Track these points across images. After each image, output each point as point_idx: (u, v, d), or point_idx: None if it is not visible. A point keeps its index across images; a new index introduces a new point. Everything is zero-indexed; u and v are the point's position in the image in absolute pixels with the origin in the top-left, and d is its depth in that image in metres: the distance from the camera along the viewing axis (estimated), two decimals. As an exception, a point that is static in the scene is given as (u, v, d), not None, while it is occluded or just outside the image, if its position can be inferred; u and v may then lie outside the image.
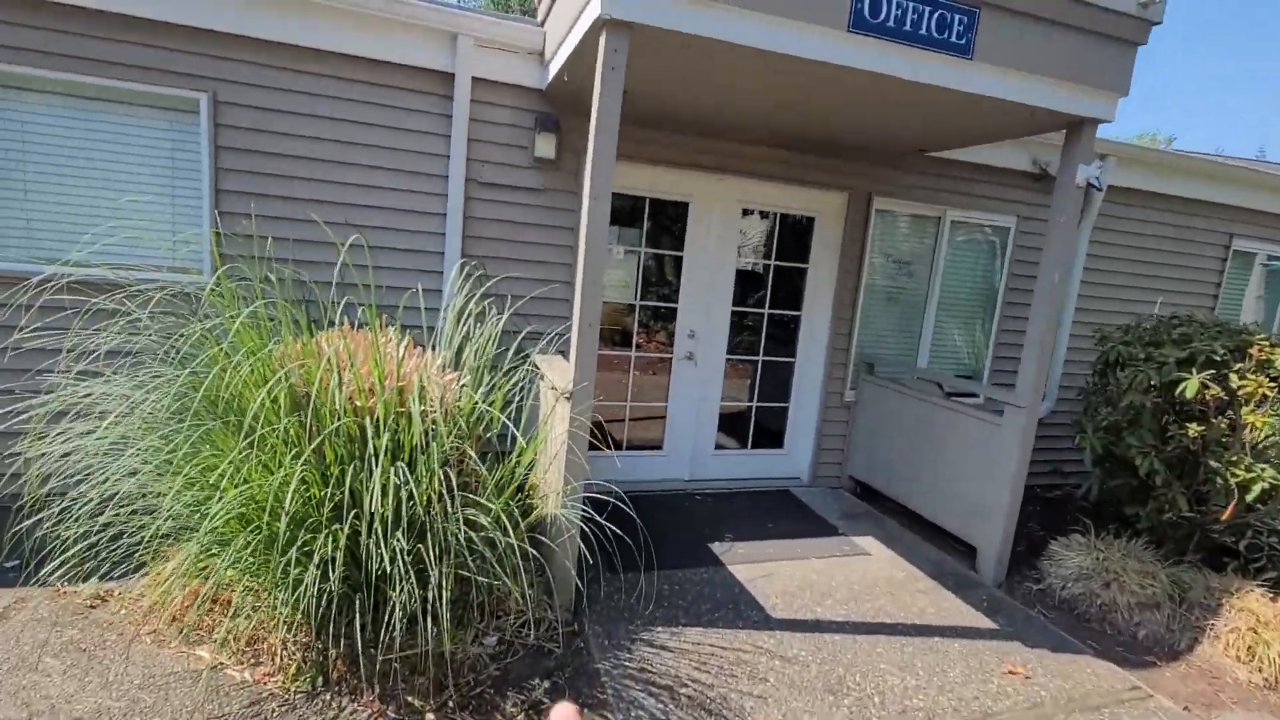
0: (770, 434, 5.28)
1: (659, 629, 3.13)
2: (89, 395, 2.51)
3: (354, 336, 2.97)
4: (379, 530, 2.14)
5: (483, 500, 2.49)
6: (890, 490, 4.84)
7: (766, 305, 5.04)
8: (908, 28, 2.99)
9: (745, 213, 4.84)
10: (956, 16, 3.04)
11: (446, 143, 3.95)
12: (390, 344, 2.90)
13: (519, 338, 3.82)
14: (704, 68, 3.17)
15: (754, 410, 5.19)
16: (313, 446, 2.18)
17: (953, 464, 4.26)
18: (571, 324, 2.93)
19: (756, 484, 5.15)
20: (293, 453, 2.23)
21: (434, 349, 3.56)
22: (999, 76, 3.20)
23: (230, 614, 2.45)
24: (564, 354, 3.94)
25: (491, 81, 3.96)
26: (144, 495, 2.31)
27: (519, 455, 2.84)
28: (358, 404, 2.56)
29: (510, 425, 2.78)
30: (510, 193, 4.13)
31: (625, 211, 4.59)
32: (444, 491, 2.36)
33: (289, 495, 1.99)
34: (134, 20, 3.40)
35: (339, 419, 2.34)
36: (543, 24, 3.89)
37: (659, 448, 4.97)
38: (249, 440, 2.04)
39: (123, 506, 2.34)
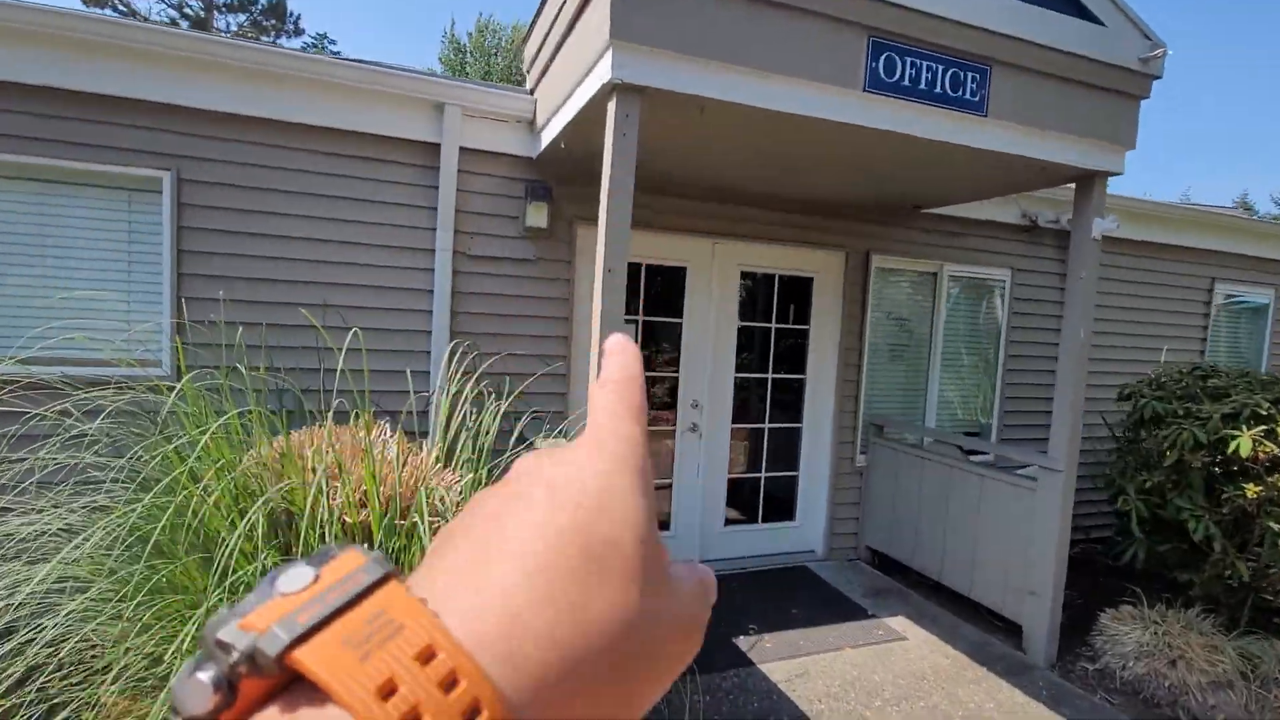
0: (781, 505, 4.97)
1: (698, 755, 2.72)
2: (30, 525, 2.09)
3: (339, 435, 2.62)
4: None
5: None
6: (915, 563, 4.54)
7: (770, 369, 4.82)
8: (922, 86, 2.89)
9: (744, 276, 4.67)
10: (969, 74, 2.96)
11: (433, 215, 3.70)
12: (385, 443, 2.55)
13: (520, 422, 3.49)
14: (713, 130, 3.01)
15: (763, 481, 4.89)
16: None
17: (986, 534, 3.99)
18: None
19: (770, 560, 4.80)
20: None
21: (426, 440, 3.22)
22: (1012, 133, 3.12)
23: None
24: (567, 437, 3.61)
25: (479, 151, 3.77)
26: (90, 653, 1.88)
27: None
28: (347, 520, 2.19)
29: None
30: (501, 265, 3.88)
31: (621, 279, 4.36)
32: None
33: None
34: (90, 97, 3.13)
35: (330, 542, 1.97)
36: (533, 92, 3.74)
37: (665, 527, 4.61)
38: (221, 584, 1.65)
39: (62, 669, 1.90)
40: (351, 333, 2.62)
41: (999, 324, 5.38)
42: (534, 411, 3.77)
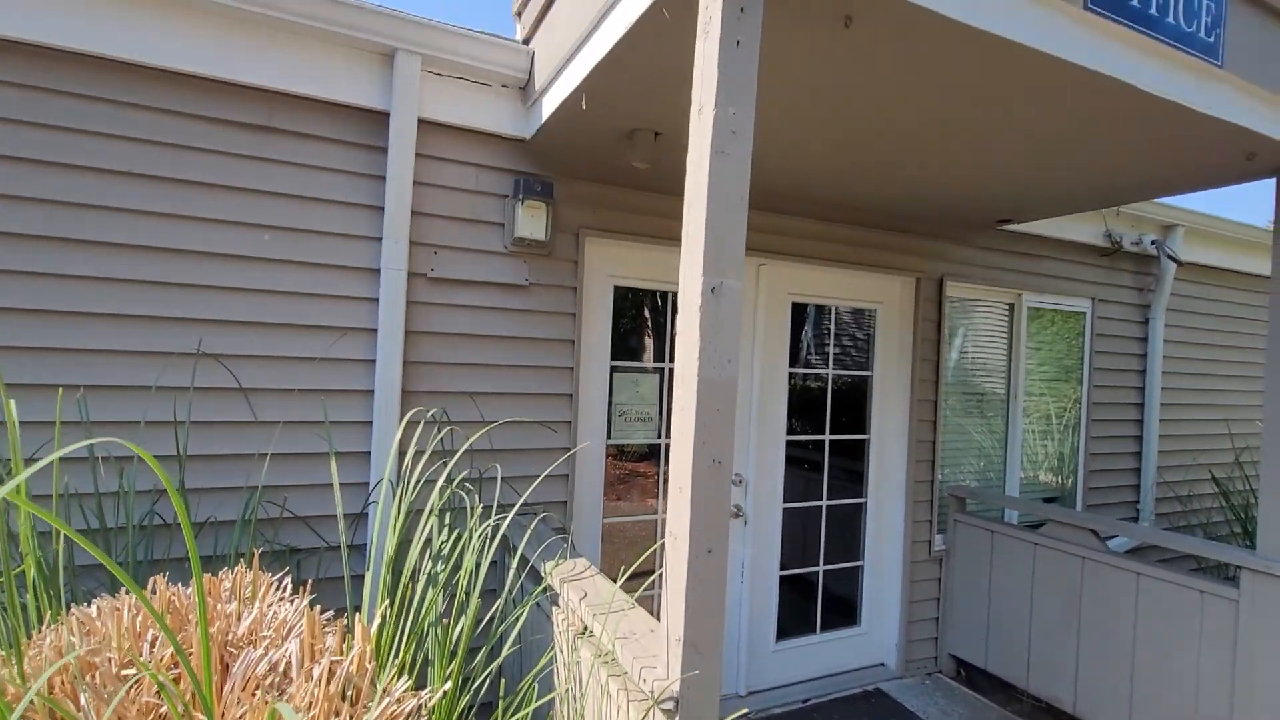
0: (842, 605, 3.80)
1: None
2: None
3: (172, 602, 1.32)
4: None
5: None
6: (1031, 684, 3.42)
7: (828, 429, 3.70)
8: (1154, 11, 1.89)
9: (794, 308, 3.57)
10: (1205, 2, 1.99)
11: (377, 219, 2.47)
12: (271, 624, 1.27)
13: (524, 540, 2.22)
14: (831, 70, 1.92)
15: (821, 576, 3.72)
16: None
17: (1152, 663, 2.91)
18: (668, 538, 1.43)
19: (834, 683, 3.60)
20: None
21: (364, 585, 1.95)
22: (1244, 95, 2.15)
23: None
24: (587, 562, 2.39)
25: (448, 127, 2.58)
26: None
27: None
28: None
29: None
30: (478, 292, 2.67)
31: (635, 311, 3.21)
32: None
33: None
34: None
35: None
36: (529, 39, 2.60)
37: (699, 649, 3.36)
38: None
39: None
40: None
41: (1081, 367, 4.45)
42: (538, 507, 2.52)
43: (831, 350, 3.71)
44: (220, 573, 1.53)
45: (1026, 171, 2.77)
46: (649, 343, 3.24)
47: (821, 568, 3.71)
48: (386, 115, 2.45)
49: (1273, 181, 2.58)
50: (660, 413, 3.23)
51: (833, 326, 3.72)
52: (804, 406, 3.63)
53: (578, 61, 2.07)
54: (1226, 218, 4.72)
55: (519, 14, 2.69)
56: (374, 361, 2.46)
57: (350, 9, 2.30)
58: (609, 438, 3.08)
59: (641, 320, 3.23)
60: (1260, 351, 5.12)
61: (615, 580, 1.89)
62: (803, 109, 2.16)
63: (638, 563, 3.01)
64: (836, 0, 1.50)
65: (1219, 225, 4.67)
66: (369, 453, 2.45)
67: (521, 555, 2.07)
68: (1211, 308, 4.93)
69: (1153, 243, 4.50)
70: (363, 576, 2.38)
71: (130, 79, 2.15)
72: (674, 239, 2.21)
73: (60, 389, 2.02)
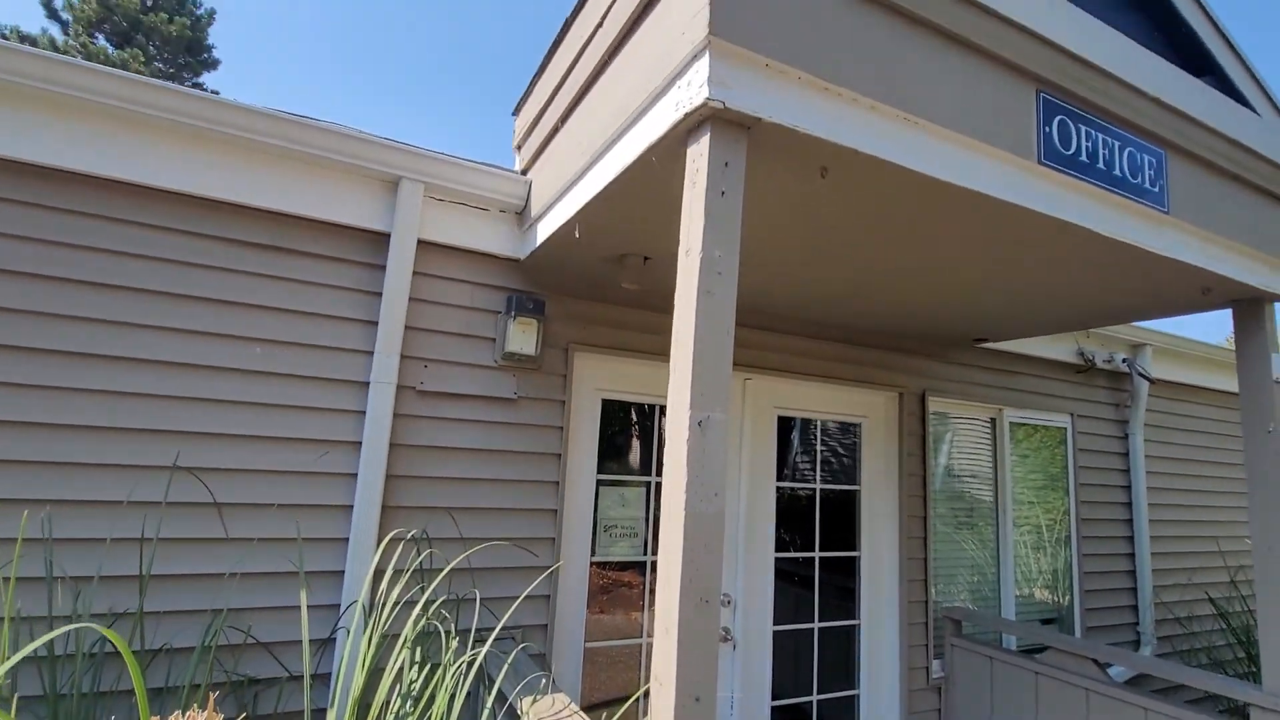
0: (837, 741, 3.56)
1: None
2: None
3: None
4: None
5: None
6: (1044, 833, 3.16)
7: (818, 546, 3.62)
8: (1100, 165, 2.06)
9: (780, 421, 3.60)
10: (1146, 158, 2.18)
11: (369, 333, 2.52)
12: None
13: (502, 673, 2.10)
14: (811, 212, 2.05)
15: (815, 707, 3.51)
16: None
17: (1169, 803, 2.73)
18: (653, 683, 1.36)
19: (833, 834, 3.31)
20: None
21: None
22: (1191, 237, 2.31)
23: None
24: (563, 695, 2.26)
25: (445, 247, 2.69)
26: None
27: None
28: None
29: None
30: (466, 405, 2.68)
31: (622, 424, 3.22)
32: None
33: None
34: None
35: None
36: (527, 170, 2.76)
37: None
38: None
39: None
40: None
41: (1066, 477, 4.46)
42: (518, 631, 2.40)
43: (819, 463, 3.71)
44: (171, 717, 1.43)
45: (997, 298, 2.91)
46: (636, 456, 3.22)
47: (815, 697, 3.51)
48: (387, 236, 2.56)
49: (1232, 310, 2.73)
50: (646, 525, 3.16)
51: (819, 438, 3.74)
52: (793, 520, 3.58)
53: (572, 195, 2.20)
54: (1190, 337, 4.91)
55: (519, 147, 2.88)
56: (355, 475, 2.42)
57: (362, 143, 2.46)
58: (593, 554, 2.99)
59: (629, 433, 3.24)
60: (1240, 467, 5.17)
61: (596, 715, 1.78)
62: (784, 245, 2.29)
63: (621, 711, 2.84)
64: (813, 154, 1.64)
65: (1184, 345, 4.85)
66: (342, 572, 2.35)
67: (499, 691, 1.95)
68: (1189, 424, 5.03)
69: (1124, 360, 4.66)
70: (325, 710, 2.23)
71: (140, 200, 2.25)
72: (662, 353, 2.26)
73: (25, 510, 1.96)
